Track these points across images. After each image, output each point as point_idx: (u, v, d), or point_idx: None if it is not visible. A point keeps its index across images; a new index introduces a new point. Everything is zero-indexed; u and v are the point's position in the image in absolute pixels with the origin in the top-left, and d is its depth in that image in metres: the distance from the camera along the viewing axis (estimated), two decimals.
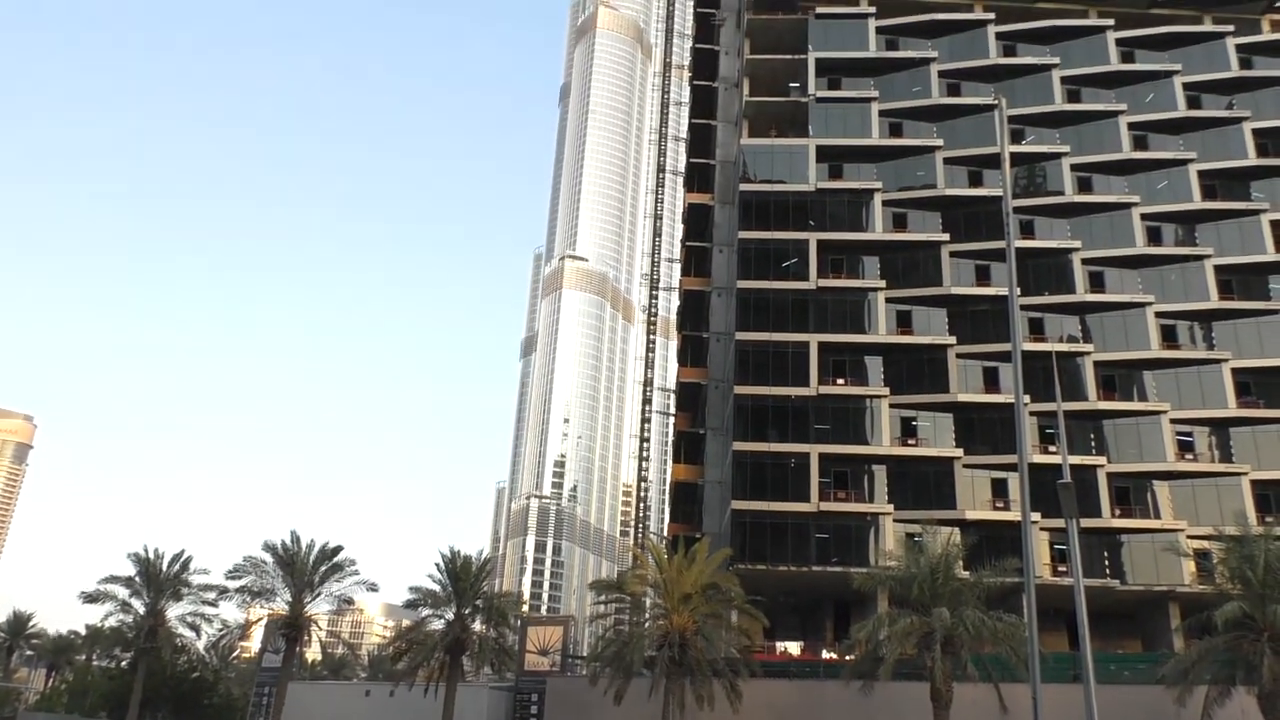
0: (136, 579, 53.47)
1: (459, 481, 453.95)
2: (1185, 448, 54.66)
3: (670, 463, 68.60)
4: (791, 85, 66.45)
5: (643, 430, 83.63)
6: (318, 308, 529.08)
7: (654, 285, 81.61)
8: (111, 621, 56.14)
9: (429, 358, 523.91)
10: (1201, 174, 61.22)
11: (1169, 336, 57.49)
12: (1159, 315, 57.46)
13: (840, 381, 55.97)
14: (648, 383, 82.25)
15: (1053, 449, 52.65)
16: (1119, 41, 65.67)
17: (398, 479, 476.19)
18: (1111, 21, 66.22)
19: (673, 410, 70.07)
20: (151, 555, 54.15)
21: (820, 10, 66.86)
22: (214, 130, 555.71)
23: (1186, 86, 63.95)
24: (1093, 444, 54.39)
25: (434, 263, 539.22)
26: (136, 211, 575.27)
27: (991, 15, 66.68)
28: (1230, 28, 65.77)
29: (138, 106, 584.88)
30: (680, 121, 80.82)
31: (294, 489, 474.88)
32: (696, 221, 67.99)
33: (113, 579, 52.49)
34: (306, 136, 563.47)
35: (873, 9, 66.88)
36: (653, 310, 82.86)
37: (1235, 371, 55.90)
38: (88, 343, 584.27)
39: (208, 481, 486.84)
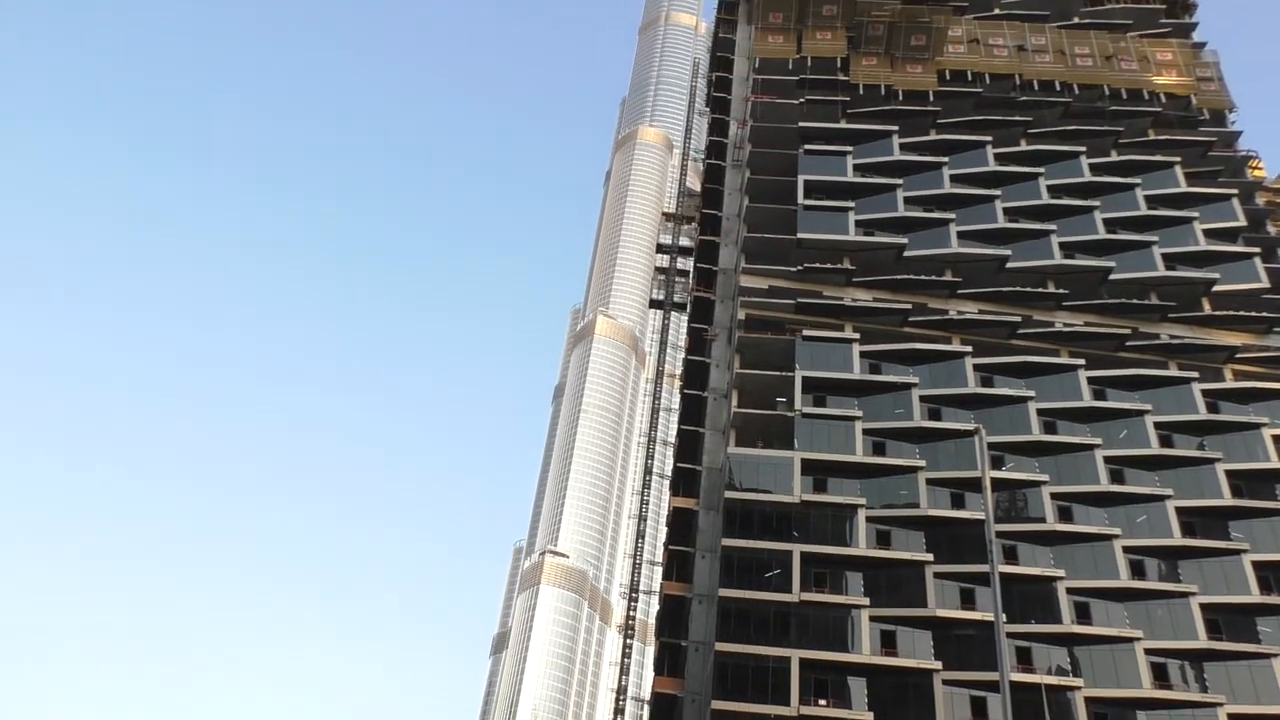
0: None
1: None
2: None
3: None
4: (779, 399, 68.66)
5: None
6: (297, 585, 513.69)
7: (634, 588, 79.91)
8: None
9: (398, 653, 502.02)
10: (1180, 510, 62.04)
11: (1160, 675, 55.83)
12: (1148, 652, 56.08)
13: (823, 703, 53.52)
14: (621, 690, 78.37)
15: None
16: (1091, 380, 68.84)
17: None
18: (1083, 361, 69.79)
19: None
20: None
21: (807, 333, 70.52)
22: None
23: (1158, 425, 66.32)
24: None
25: (411, 557, 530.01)
26: None
27: (969, 349, 70.30)
28: (1195, 374, 69.30)
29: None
30: (669, 427, 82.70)
31: None
32: (680, 526, 67.75)
33: None
34: (300, 439, 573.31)
35: (857, 335, 70.63)
36: (631, 613, 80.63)
37: (1231, 718, 53.73)
38: None
39: None
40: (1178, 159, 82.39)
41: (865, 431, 65.28)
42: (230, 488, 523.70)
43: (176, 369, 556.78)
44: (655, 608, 71.31)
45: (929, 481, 62.95)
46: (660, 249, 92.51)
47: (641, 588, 79.56)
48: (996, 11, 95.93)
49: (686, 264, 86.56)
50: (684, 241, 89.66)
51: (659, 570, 72.51)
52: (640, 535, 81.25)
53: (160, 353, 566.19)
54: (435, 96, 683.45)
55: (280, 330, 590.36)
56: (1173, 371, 70.01)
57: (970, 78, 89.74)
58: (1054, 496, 62.54)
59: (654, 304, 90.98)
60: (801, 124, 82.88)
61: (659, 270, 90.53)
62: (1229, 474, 63.76)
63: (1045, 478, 63.08)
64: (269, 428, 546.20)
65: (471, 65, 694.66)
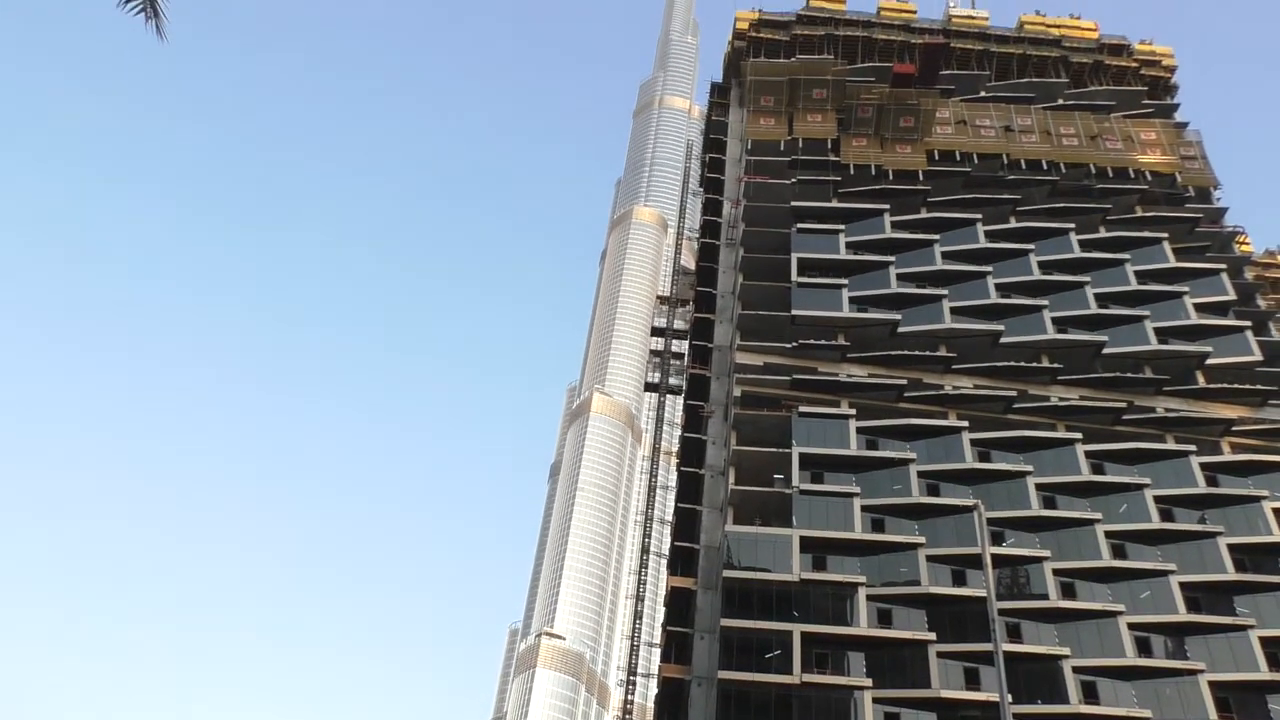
0: None
1: None
2: None
3: None
4: (776, 476, 68.19)
5: None
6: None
7: (632, 670, 78.22)
8: None
9: None
10: (1184, 585, 61.24)
11: None
12: None
13: None
14: None
15: None
16: (1088, 454, 68.55)
17: None
18: (1080, 435, 69.58)
19: None
20: None
21: (804, 409, 70.38)
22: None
23: (1158, 499, 65.82)
24: None
25: (405, 639, 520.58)
26: None
27: (966, 423, 70.14)
28: (1193, 448, 69.04)
29: None
30: (666, 505, 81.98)
31: None
32: (678, 606, 66.68)
33: None
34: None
35: (853, 411, 70.49)
36: (629, 697, 78.82)
37: None
38: None
39: None
40: (1165, 235, 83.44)
41: (864, 508, 64.70)
42: (218, 585, 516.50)
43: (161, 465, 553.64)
44: (653, 691, 69.84)
45: (929, 558, 62.19)
46: (655, 332, 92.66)
47: (639, 670, 77.85)
48: (982, 94, 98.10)
49: (681, 346, 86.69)
50: (678, 324, 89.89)
51: (657, 652, 71.16)
52: (638, 616, 79.88)
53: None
54: (431, 173, 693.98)
55: (267, 416, 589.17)
56: (1170, 445, 69.76)
57: (959, 157, 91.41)
58: (1056, 573, 61.74)
59: (649, 387, 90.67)
60: (794, 203, 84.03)
61: (654, 353, 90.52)
62: (1231, 548, 63.11)
63: (1047, 553, 62.36)
64: (255, 511, 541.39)
65: (470, 143, 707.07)
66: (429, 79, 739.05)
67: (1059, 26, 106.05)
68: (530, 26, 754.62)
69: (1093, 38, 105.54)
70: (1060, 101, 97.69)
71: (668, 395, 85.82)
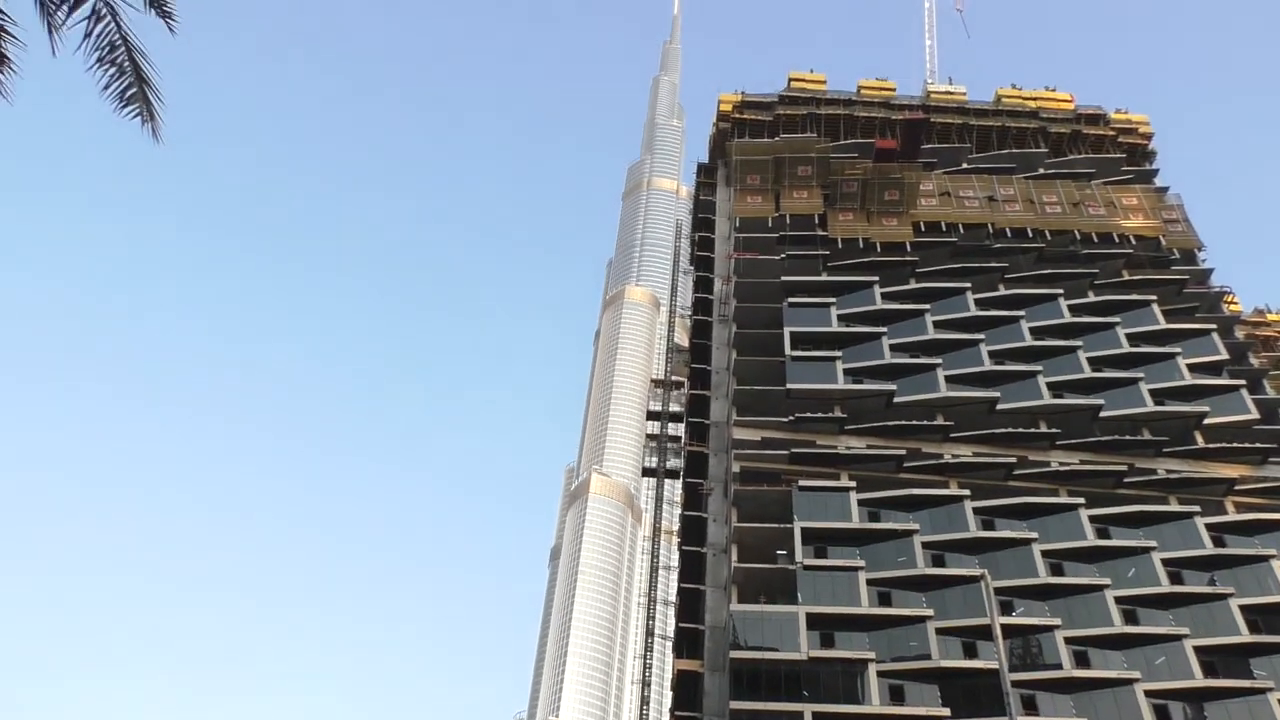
0: None
1: None
2: None
3: None
4: (779, 552, 67.31)
5: None
6: None
7: None
8: None
9: None
10: (1198, 649, 60.10)
11: None
12: None
13: None
14: None
15: None
16: (1093, 518, 67.91)
17: None
18: (1083, 500, 69.01)
19: None
20: None
21: (804, 483, 69.79)
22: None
23: (1166, 562, 65.02)
24: None
25: None
26: None
27: (967, 492, 69.58)
28: (1197, 508, 68.46)
29: None
30: (669, 585, 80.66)
31: None
32: (685, 690, 65.10)
33: None
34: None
35: (853, 483, 69.91)
36: None
37: None
38: None
39: None
40: (1154, 297, 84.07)
41: (869, 581, 63.72)
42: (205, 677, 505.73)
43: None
44: None
45: (939, 631, 61.03)
46: (651, 415, 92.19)
47: None
48: (965, 166, 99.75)
49: (678, 429, 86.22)
50: (674, 407, 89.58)
51: None
52: (645, 702, 78.03)
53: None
54: (426, 255, 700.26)
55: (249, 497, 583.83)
56: (1174, 506, 69.17)
57: (944, 228, 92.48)
58: (1068, 641, 60.57)
59: (647, 473, 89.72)
60: (784, 278, 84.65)
61: (650, 437, 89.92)
62: (1243, 609, 62.13)
63: (1057, 621, 61.27)
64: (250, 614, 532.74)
65: (464, 228, 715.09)
66: (423, 162, 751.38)
67: (1035, 99, 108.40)
68: (520, 113, 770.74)
69: (1069, 108, 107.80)
70: (1041, 171, 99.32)
71: (666, 478, 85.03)
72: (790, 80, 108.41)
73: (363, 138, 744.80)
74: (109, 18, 14.89)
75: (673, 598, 73.98)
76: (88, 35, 14.91)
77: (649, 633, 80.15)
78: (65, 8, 14.78)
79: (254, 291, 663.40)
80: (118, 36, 15.01)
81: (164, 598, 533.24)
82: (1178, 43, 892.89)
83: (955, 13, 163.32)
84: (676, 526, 78.52)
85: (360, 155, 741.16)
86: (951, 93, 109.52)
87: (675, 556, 77.32)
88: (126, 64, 15.14)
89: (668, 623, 77.79)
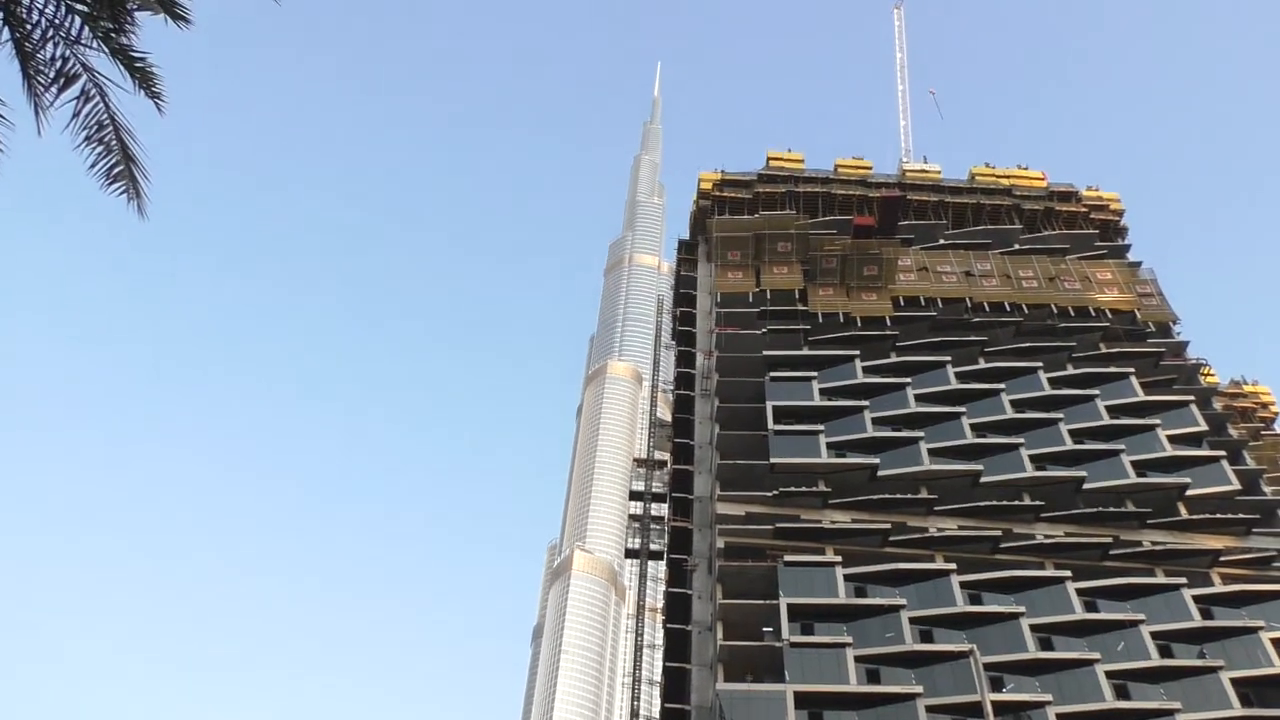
0: None
1: None
2: None
3: None
4: (765, 629, 66.26)
5: None
6: None
7: None
8: None
9: None
10: None
11: None
12: None
13: None
14: None
15: None
16: (1080, 591, 67.32)
17: None
18: (1069, 573, 68.48)
19: None
20: None
21: (789, 558, 69.07)
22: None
23: (1154, 635, 64.31)
24: None
25: None
26: None
27: (954, 566, 68.99)
28: (1183, 580, 68.03)
29: None
30: (654, 664, 79.18)
31: None
32: None
33: None
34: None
35: (839, 558, 69.21)
36: None
37: None
38: None
39: None
40: (1131, 370, 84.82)
41: (857, 658, 62.62)
42: None
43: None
44: None
45: (929, 709, 59.72)
46: (634, 496, 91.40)
47: None
48: (941, 242, 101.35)
49: (661, 510, 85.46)
50: (656, 487, 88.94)
51: None
52: None
53: None
54: (411, 329, 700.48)
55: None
56: (1161, 578, 68.73)
57: (923, 302, 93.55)
58: (1060, 717, 59.51)
59: (630, 554, 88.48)
60: (766, 352, 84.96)
61: (633, 518, 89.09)
62: (1234, 682, 61.33)
63: (1048, 698, 60.23)
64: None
65: (447, 301, 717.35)
66: (407, 242, 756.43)
67: (1009, 176, 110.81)
68: (503, 192, 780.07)
69: (1041, 185, 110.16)
70: (1017, 246, 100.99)
71: (649, 560, 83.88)
72: (769, 159, 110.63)
73: (328, 208, 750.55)
74: (98, 98, 15.03)
75: (658, 677, 72.55)
76: (75, 115, 15.02)
77: (634, 714, 78.36)
78: (55, 89, 14.90)
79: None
80: (105, 116, 15.12)
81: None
82: (1146, 118, 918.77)
83: (928, 95, 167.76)
84: (661, 604, 77.38)
85: (332, 231, 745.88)
86: (926, 171, 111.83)
87: (660, 635, 76.03)
88: (114, 142, 15.24)
89: (653, 703, 76.17)
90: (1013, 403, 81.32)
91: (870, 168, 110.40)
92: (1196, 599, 66.98)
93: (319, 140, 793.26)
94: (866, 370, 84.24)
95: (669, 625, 72.47)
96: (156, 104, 15.67)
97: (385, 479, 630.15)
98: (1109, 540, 71.37)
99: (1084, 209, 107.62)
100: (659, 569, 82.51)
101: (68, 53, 14.73)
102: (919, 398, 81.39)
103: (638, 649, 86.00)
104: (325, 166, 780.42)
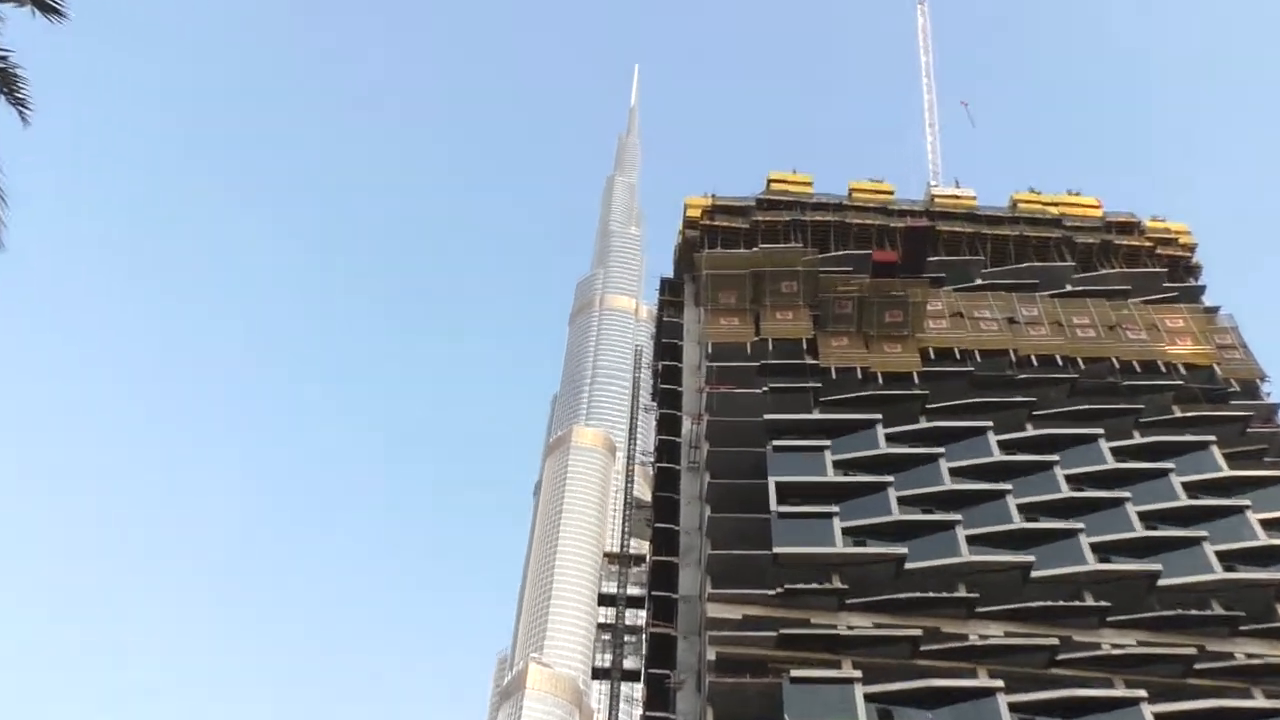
0: None
1: None
2: None
3: None
4: None
5: None
6: None
7: None
8: None
9: None
10: None
11: None
12: None
13: None
14: None
15: None
16: (1158, 717, 65.62)
17: None
18: (1144, 694, 66.22)
19: None
20: None
21: (796, 674, 67.21)
22: None
23: None
24: None
25: None
26: None
27: (1000, 683, 66.92)
28: None
29: None
30: None
31: None
32: None
33: None
34: None
35: (858, 673, 67.08)
36: None
37: None
38: None
39: None
40: (1213, 438, 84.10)
41: None
42: None
43: None
44: None
45: None
46: (603, 600, 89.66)
47: None
48: (979, 282, 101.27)
49: (637, 617, 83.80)
50: (633, 589, 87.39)
51: None
52: None
53: None
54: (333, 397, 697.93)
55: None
56: (1260, 701, 67.13)
57: (958, 355, 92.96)
58: None
59: (597, 674, 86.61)
60: (767, 416, 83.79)
61: (602, 627, 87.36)
62: None
63: None
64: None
65: (381, 352, 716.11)
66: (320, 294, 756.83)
67: (1058, 204, 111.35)
68: (443, 218, 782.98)
69: (1097, 215, 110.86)
70: (1069, 288, 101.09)
71: (623, 681, 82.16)
72: (769, 181, 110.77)
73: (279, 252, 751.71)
74: None
75: None
76: None
77: None
78: None
79: None
80: None
81: None
82: (1220, 135, 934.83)
83: (960, 106, 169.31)
84: None
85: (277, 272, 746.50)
86: (959, 197, 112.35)
87: None
88: None
89: None
90: (1069, 479, 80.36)
91: (892, 192, 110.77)
92: None
93: (274, 157, 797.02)
94: (890, 438, 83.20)
95: None
96: (20, 113, 15.09)
97: (306, 565, 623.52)
98: (1193, 651, 69.84)
99: (1148, 243, 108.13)
100: (635, 688, 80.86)
101: None
102: (954, 472, 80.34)
103: None
104: (272, 184, 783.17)
